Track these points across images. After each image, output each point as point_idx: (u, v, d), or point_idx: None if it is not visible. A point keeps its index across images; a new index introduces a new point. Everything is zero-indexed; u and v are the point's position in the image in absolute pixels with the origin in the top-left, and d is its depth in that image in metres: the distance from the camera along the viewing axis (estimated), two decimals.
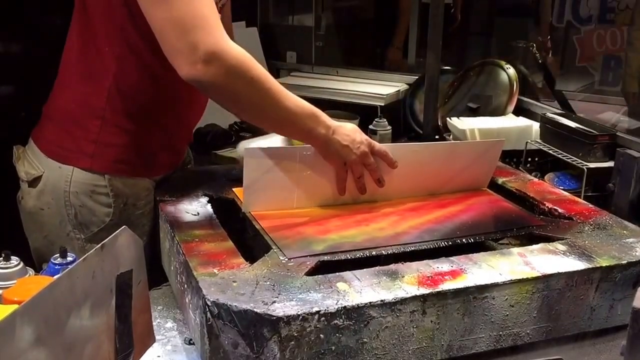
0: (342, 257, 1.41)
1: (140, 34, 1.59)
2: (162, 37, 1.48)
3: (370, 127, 2.40)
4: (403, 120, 3.05)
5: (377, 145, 1.66)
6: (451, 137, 2.52)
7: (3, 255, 1.33)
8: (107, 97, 1.66)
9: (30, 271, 1.36)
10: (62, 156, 1.70)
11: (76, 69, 1.70)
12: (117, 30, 1.62)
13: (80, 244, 1.73)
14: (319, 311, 1.16)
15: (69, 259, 1.37)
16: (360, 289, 1.23)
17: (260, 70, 1.50)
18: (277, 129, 1.69)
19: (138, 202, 1.74)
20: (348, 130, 1.62)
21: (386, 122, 2.47)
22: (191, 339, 1.37)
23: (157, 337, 1.25)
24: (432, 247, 1.48)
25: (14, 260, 1.34)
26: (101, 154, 1.69)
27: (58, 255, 1.38)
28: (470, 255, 1.39)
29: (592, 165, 2.09)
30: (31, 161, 1.74)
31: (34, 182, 1.73)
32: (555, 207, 1.69)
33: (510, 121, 2.56)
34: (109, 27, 1.62)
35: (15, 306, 0.91)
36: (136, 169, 1.73)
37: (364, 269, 1.31)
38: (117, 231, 1.06)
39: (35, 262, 1.79)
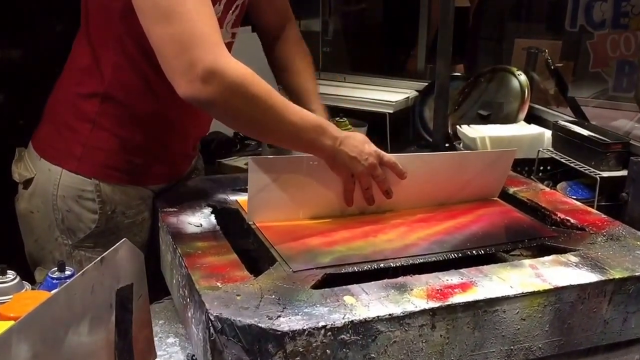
0: (349, 269, 1.38)
1: (138, 46, 1.60)
2: (161, 54, 1.46)
3: None
4: (412, 128, 3.03)
5: (386, 156, 1.64)
6: (461, 145, 2.50)
7: None
8: (99, 102, 1.66)
9: (27, 286, 1.34)
10: (52, 156, 1.71)
11: (74, 71, 1.71)
12: (115, 40, 1.62)
13: (67, 250, 1.73)
14: (326, 326, 1.14)
15: (67, 272, 1.35)
16: (368, 303, 1.21)
17: (261, 86, 1.48)
18: (282, 143, 1.68)
19: (128, 211, 1.73)
20: (356, 141, 1.60)
21: None
22: (194, 355, 1.35)
23: (158, 353, 1.25)
24: (441, 259, 1.46)
25: (10, 274, 1.32)
26: (89, 157, 1.69)
27: (56, 269, 1.36)
28: (480, 267, 1.37)
29: (605, 174, 2.07)
30: (26, 163, 1.75)
31: (26, 184, 1.74)
32: (567, 218, 1.66)
33: (521, 129, 2.54)
34: (108, 36, 1.63)
35: (12, 322, 0.89)
36: (126, 177, 1.72)
37: (372, 282, 1.29)
38: (117, 244, 1.05)
39: (30, 266, 1.80)
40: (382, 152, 1.63)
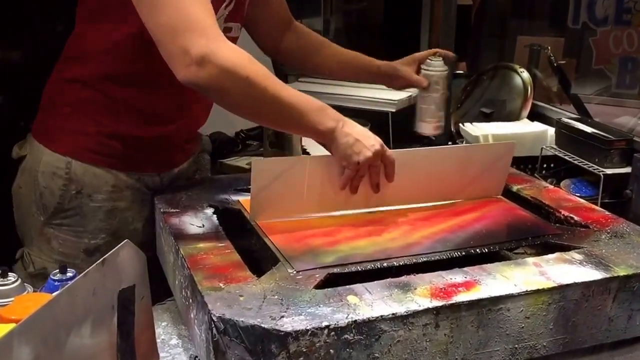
0: (352, 269, 1.38)
1: (130, 40, 1.63)
2: (158, 42, 1.50)
3: (423, 66, 2.03)
4: (415, 126, 3.01)
5: (389, 150, 1.62)
6: (464, 143, 2.49)
7: (0, 271, 1.30)
8: (80, 88, 1.71)
9: (29, 288, 1.34)
10: (39, 136, 1.78)
11: (64, 57, 1.77)
12: (107, 33, 1.66)
13: (39, 226, 1.76)
14: (329, 326, 1.13)
15: (69, 274, 1.34)
16: (371, 302, 1.20)
17: (256, 68, 1.49)
18: (283, 126, 1.69)
19: (96, 195, 1.74)
20: (359, 127, 1.59)
21: (442, 61, 2.03)
22: (197, 356, 1.34)
23: (161, 355, 1.24)
24: (445, 257, 1.45)
25: (12, 276, 1.31)
26: (65, 137, 1.73)
27: (57, 271, 1.35)
28: (484, 265, 1.36)
29: (609, 171, 2.06)
30: (25, 143, 1.81)
31: (19, 161, 1.80)
32: (571, 215, 1.65)
33: (524, 126, 2.53)
34: (101, 28, 1.67)
35: (13, 325, 0.89)
36: (101, 158, 1.74)
37: (375, 281, 1.28)
38: (119, 245, 1.04)
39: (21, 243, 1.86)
40: (385, 147, 1.61)
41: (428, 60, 1.99)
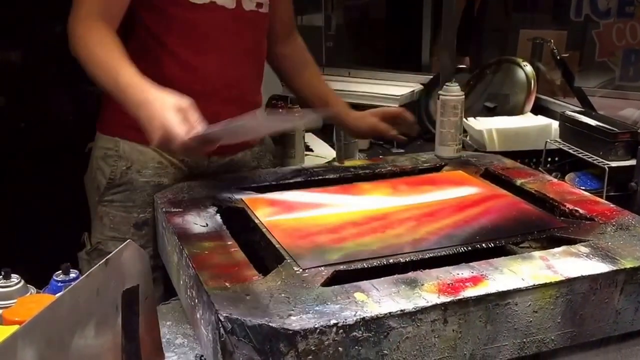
0: (359, 266, 1.37)
1: (152, 29, 1.76)
2: None
3: (441, 92, 2.09)
4: (419, 122, 3.01)
5: (177, 139, 1.46)
6: (468, 138, 2.49)
7: (3, 273, 1.29)
8: None
9: (32, 289, 1.33)
10: (98, 125, 1.91)
11: None
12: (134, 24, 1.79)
13: (94, 205, 1.89)
14: (337, 323, 1.13)
15: (72, 275, 1.34)
16: (379, 299, 1.19)
17: (90, 49, 1.61)
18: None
19: (144, 170, 1.84)
20: (153, 111, 1.50)
21: (458, 86, 2.09)
22: (202, 356, 1.34)
23: (167, 355, 1.24)
24: (451, 252, 1.44)
25: (15, 278, 1.30)
26: (112, 118, 1.85)
27: (60, 272, 1.35)
28: (490, 260, 1.35)
29: (614, 164, 2.05)
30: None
31: (90, 151, 1.93)
32: (576, 208, 1.64)
33: (528, 120, 2.53)
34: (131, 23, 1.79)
35: (16, 327, 0.88)
36: (144, 135, 1.75)
37: (382, 278, 1.27)
38: (122, 245, 1.04)
39: None
40: (175, 132, 1.46)
41: (445, 86, 2.06)
